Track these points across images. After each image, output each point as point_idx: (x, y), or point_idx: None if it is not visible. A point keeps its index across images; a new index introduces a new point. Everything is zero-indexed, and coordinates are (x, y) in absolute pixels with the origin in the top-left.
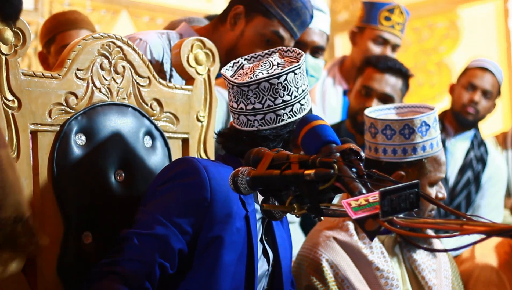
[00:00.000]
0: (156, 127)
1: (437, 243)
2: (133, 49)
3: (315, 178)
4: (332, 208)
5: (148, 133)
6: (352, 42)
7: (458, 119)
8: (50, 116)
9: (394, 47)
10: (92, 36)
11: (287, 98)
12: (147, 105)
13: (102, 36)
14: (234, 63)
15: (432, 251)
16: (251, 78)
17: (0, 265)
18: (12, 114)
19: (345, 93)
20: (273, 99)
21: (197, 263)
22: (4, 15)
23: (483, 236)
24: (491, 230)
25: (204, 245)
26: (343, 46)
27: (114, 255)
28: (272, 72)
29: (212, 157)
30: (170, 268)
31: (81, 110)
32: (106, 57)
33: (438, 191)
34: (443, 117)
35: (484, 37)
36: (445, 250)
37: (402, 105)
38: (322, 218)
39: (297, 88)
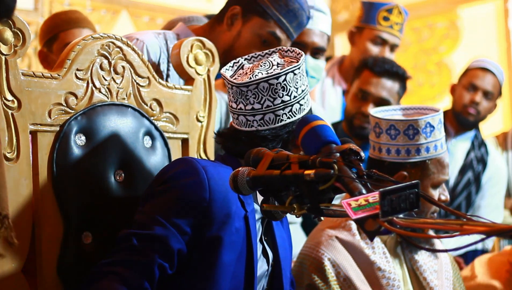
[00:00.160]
0: (156, 127)
1: (438, 245)
2: (133, 50)
3: (315, 178)
4: (332, 208)
5: (148, 133)
6: (351, 42)
7: (459, 120)
8: (50, 116)
9: (393, 47)
10: (92, 37)
11: (286, 98)
12: (146, 105)
13: (101, 36)
14: (234, 63)
15: (432, 251)
16: (250, 78)
17: None
18: (12, 114)
19: (344, 93)
20: (272, 100)
21: (196, 263)
22: None
23: (483, 236)
24: (491, 230)
25: (203, 246)
26: (343, 46)
27: (113, 255)
28: (272, 73)
29: (212, 157)
30: (169, 268)
31: (81, 110)
32: (106, 58)
33: (441, 194)
34: (443, 117)
35: (484, 37)
36: (445, 250)
37: (408, 106)
38: (322, 218)
39: (297, 89)
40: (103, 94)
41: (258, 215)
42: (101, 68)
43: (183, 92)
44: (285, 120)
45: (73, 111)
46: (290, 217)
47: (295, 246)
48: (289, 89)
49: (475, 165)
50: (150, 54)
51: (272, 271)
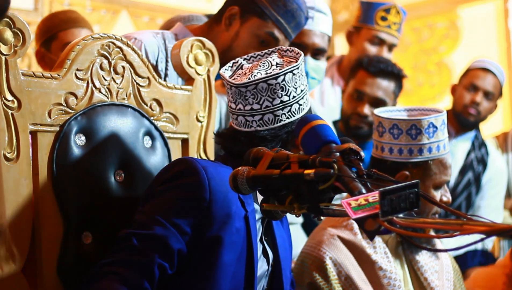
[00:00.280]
0: (156, 127)
1: (439, 245)
2: (133, 50)
3: (315, 177)
4: (332, 208)
5: (148, 133)
6: (349, 42)
7: (459, 120)
8: (50, 116)
9: (391, 47)
10: (92, 37)
11: (285, 98)
12: (146, 105)
13: (101, 36)
14: (233, 63)
15: (432, 250)
16: (249, 78)
17: None
18: (12, 114)
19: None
20: (271, 100)
21: (196, 263)
22: None
23: (483, 236)
24: (491, 230)
25: (203, 246)
26: (343, 46)
27: (113, 255)
28: (270, 73)
29: (212, 157)
30: (170, 268)
31: (81, 111)
32: (106, 58)
33: (443, 195)
34: None
35: (484, 37)
36: (445, 250)
37: (412, 107)
38: (322, 218)
39: (296, 89)
40: (103, 94)
41: (258, 215)
42: (101, 68)
43: (183, 92)
44: (284, 120)
45: (73, 111)
46: (290, 217)
47: (295, 246)
48: (288, 89)
49: (475, 165)
50: (148, 53)
51: (272, 271)
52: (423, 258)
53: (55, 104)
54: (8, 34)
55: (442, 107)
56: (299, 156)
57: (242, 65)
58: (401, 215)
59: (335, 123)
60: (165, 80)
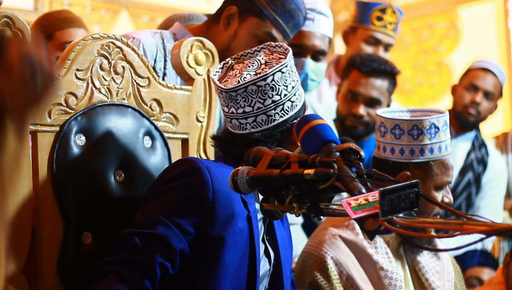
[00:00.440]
0: (156, 128)
1: (440, 246)
2: (133, 50)
3: (314, 177)
4: (332, 208)
5: (148, 133)
6: (345, 42)
7: (459, 120)
8: (49, 116)
9: (387, 47)
10: (92, 37)
11: (276, 98)
12: (146, 105)
13: (101, 36)
14: (223, 64)
15: (432, 250)
16: (239, 82)
17: None
18: None
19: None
20: (262, 101)
21: (198, 263)
22: None
23: (483, 236)
24: (491, 230)
25: (205, 246)
26: (343, 46)
27: (114, 254)
28: (259, 74)
29: (212, 158)
30: (171, 268)
31: (80, 111)
32: (106, 58)
33: (444, 196)
34: None
35: (484, 37)
36: (445, 250)
37: (415, 108)
38: (322, 218)
39: (286, 86)
40: (103, 94)
41: (260, 215)
42: (101, 68)
43: (183, 92)
44: (278, 120)
45: (73, 111)
46: (290, 217)
47: (295, 246)
48: (279, 88)
49: (475, 166)
50: (147, 52)
51: (273, 270)
52: (424, 258)
53: (55, 104)
54: (8, 34)
55: (442, 107)
56: (299, 156)
57: (233, 65)
58: (401, 215)
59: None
60: (163, 79)
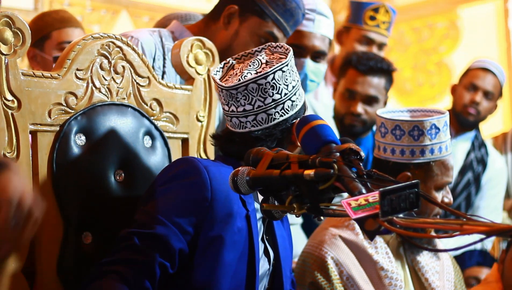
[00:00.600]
0: (156, 127)
1: (440, 246)
2: (133, 49)
3: (314, 178)
4: (332, 208)
5: (148, 133)
6: (339, 42)
7: (459, 120)
8: (49, 116)
9: (381, 46)
10: (92, 36)
11: (277, 96)
12: (146, 105)
13: (101, 36)
14: (224, 64)
15: (432, 250)
16: (239, 80)
17: None
18: (12, 114)
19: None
20: (263, 99)
21: (197, 262)
22: None
23: (483, 236)
24: (491, 230)
25: (204, 245)
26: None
27: (114, 254)
28: (260, 72)
29: (212, 157)
30: (171, 267)
31: (80, 110)
32: (106, 57)
33: (444, 196)
34: None
35: (484, 37)
36: (445, 250)
37: (415, 108)
38: (322, 218)
39: (287, 86)
40: (103, 94)
41: (259, 214)
42: (101, 68)
43: (183, 92)
44: (278, 118)
45: (73, 111)
46: (290, 218)
47: (295, 247)
48: (279, 87)
49: (475, 165)
50: (145, 51)
51: (273, 270)
52: (424, 258)
53: (55, 104)
54: (8, 34)
55: (442, 107)
56: (299, 156)
57: (233, 65)
58: (401, 215)
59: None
60: (162, 77)
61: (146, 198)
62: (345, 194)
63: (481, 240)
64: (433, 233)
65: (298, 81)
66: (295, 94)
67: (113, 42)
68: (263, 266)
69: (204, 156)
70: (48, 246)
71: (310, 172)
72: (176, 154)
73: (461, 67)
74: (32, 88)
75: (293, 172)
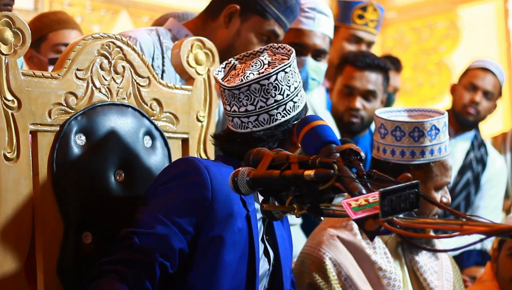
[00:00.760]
0: (156, 127)
1: (439, 246)
2: (133, 49)
3: (315, 178)
4: (332, 208)
5: (148, 133)
6: None
7: (458, 120)
8: (50, 116)
9: (369, 44)
10: (92, 36)
11: (279, 97)
12: (147, 105)
13: (102, 36)
14: (226, 64)
15: (431, 251)
16: (242, 80)
17: None
18: (12, 114)
19: (328, 90)
20: (265, 100)
21: (197, 262)
22: None
23: (482, 236)
24: (491, 230)
25: (205, 245)
26: None
27: (114, 254)
28: (263, 73)
29: (212, 157)
30: (171, 267)
31: (81, 110)
32: (106, 57)
33: (443, 196)
34: None
35: (484, 37)
36: (445, 250)
37: (413, 108)
38: (322, 218)
39: (289, 87)
40: (103, 94)
41: (259, 215)
42: (101, 68)
43: (183, 92)
44: (280, 119)
45: (73, 111)
46: (290, 218)
47: (295, 247)
48: (281, 88)
49: (474, 165)
50: (144, 50)
51: (273, 270)
52: (423, 258)
53: (55, 104)
54: (8, 34)
55: (441, 107)
56: (299, 157)
57: (235, 65)
58: (401, 216)
59: None
60: (162, 76)
61: (146, 198)
62: (346, 194)
63: (481, 240)
64: (432, 233)
65: (300, 82)
66: (297, 95)
67: (113, 42)
68: (263, 266)
69: (204, 156)
70: (48, 246)
71: (310, 172)
72: (176, 154)
73: (461, 67)
74: (32, 88)
75: (293, 173)
